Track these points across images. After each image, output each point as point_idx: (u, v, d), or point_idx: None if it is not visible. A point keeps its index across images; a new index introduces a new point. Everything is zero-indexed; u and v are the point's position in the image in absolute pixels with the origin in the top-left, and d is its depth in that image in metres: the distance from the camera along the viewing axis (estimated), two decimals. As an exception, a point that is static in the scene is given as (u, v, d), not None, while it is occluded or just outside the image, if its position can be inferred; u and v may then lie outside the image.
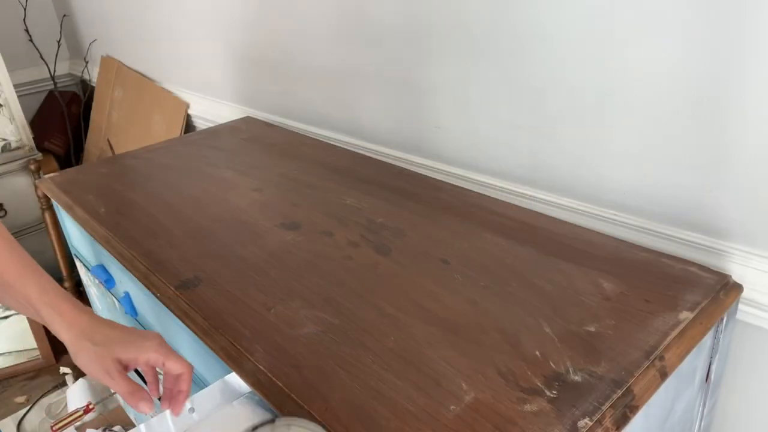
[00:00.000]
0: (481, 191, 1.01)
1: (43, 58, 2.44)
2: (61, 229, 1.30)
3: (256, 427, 0.57)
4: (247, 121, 1.49)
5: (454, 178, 1.06)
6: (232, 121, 1.50)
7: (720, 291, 0.70)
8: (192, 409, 0.62)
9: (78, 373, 1.83)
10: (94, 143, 2.33)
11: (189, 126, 1.84)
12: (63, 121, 2.44)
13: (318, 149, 1.25)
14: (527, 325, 0.66)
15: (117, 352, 0.58)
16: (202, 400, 0.63)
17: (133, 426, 1.42)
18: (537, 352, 0.62)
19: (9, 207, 2.11)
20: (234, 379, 0.65)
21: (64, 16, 2.44)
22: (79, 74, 2.49)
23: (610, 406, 0.55)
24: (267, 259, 0.83)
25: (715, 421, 0.85)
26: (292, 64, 1.36)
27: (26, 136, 2.12)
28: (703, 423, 0.80)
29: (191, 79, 1.80)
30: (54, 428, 1.27)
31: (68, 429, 1.33)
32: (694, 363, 0.69)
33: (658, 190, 0.80)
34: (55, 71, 2.47)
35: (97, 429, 1.53)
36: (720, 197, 0.74)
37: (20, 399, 1.86)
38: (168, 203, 1.04)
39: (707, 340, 0.70)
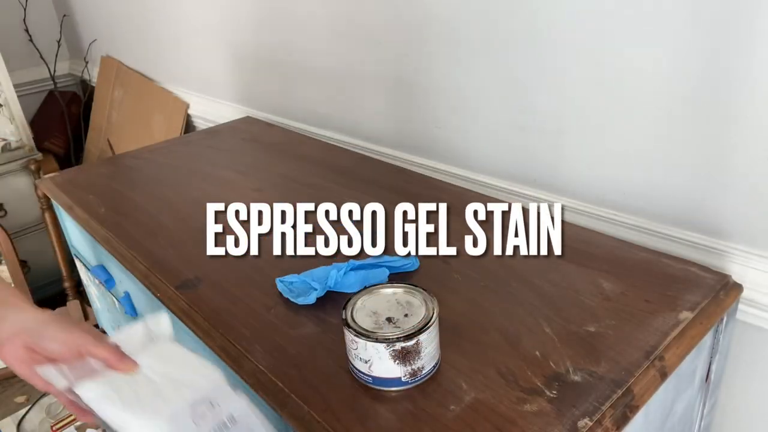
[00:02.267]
0: (481, 191, 1.00)
1: (43, 58, 2.44)
2: (61, 229, 1.30)
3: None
4: (247, 121, 1.49)
5: (454, 178, 1.06)
6: (232, 121, 1.50)
7: (720, 291, 0.70)
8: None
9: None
10: (94, 143, 2.33)
11: (189, 126, 1.84)
12: (63, 121, 2.44)
13: (318, 149, 1.25)
14: (527, 325, 0.66)
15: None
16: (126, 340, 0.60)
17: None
18: (537, 352, 0.62)
19: (9, 207, 2.11)
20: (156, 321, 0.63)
21: (64, 16, 2.44)
22: (79, 74, 2.49)
23: (610, 406, 0.55)
24: (267, 259, 0.83)
25: (715, 421, 0.85)
26: (292, 64, 1.36)
27: (26, 136, 2.12)
28: (703, 423, 0.80)
29: (191, 79, 1.80)
30: (54, 428, 1.27)
31: (68, 429, 1.33)
32: (694, 363, 0.69)
33: (658, 190, 0.80)
34: (55, 71, 2.47)
35: (97, 429, 1.53)
36: (720, 197, 0.74)
37: (20, 399, 1.86)
38: (168, 203, 1.04)
39: (707, 340, 0.70)
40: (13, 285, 1.92)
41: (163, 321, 0.62)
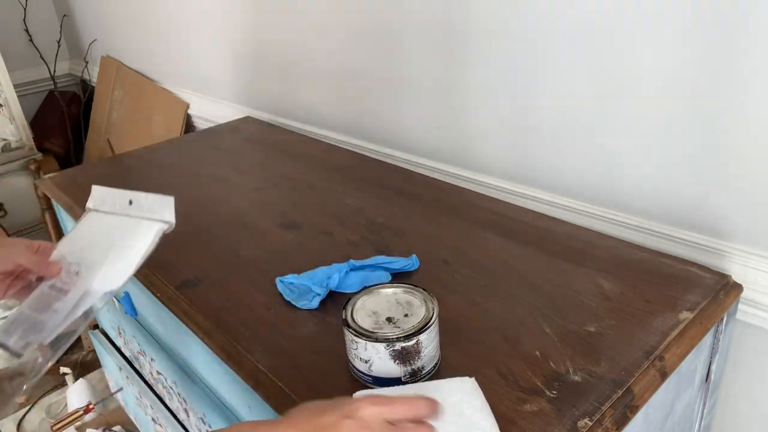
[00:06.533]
0: (481, 191, 1.01)
1: (43, 58, 2.44)
2: (61, 229, 1.30)
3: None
4: (247, 121, 1.49)
5: (454, 178, 1.06)
6: (232, 121, 1.50)
7: (720, 291, 0.70)
8: None
9: (78, 373, 1.83)
10: (94, 143, 2.34)
11: (189, 126, 1.84)
12: (63, 121, 2.44)
13: (318, 149, 1.25)
14: (527, 325, 0.66)
15: None
16: None
17: (134, 426, 1.41)
18: (537, 352, 0.62)
19: (9, 207, 2.11)
20: None
21: (64, 16, 2.44)
22: (79, 74, 2.49)
23: (610, 406, 0.55)
24: (267, 259, 0.83)
25: (715, 421, 0.85)
26: (292, 65, 1.36)
27: (26, 136, 2.12)
28: (703, 423, 0.80)
29: (191, 79, 1.80)
30: (54, 428, 1.27)
31: (68, 429, 1.33)
32: (694, 363, 0.69)
33: (658, 190, 0.80)
34: (55, 71, 2.47)
35: (97, 429, 1.53)
36: (720, 197, 0.74)
37: (20, 399, 1.86)
38: (168, 203, 1.04)
39: (707, 340, 0.70)
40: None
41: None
